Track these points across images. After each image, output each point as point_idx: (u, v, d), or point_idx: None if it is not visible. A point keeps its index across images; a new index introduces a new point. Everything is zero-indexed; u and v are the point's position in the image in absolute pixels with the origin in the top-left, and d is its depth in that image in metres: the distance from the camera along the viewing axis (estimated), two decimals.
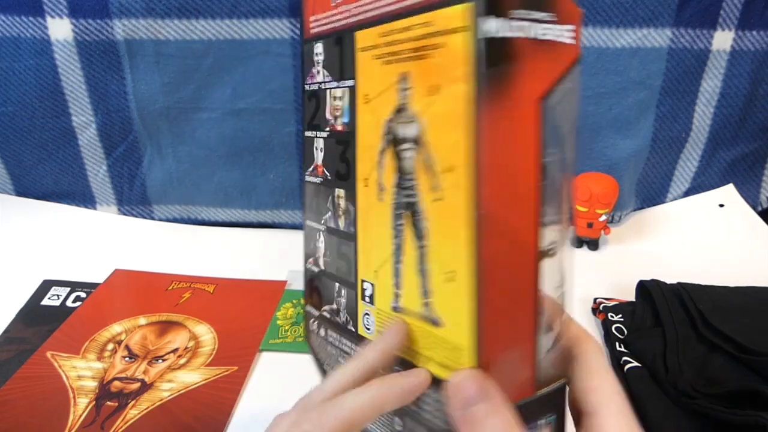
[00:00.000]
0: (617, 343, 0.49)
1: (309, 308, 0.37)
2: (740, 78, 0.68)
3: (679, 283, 0.53)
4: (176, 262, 0.64)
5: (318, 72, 0.34)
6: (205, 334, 0.53)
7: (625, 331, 0.50)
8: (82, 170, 0.72)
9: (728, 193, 0.75)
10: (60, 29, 0.63)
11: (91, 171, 0.72)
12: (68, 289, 0.59)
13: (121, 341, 0.51)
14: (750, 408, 0.40)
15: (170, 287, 0.59)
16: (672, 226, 0.72)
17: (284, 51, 0.63)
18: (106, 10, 0.62)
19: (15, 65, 0.65)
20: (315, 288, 0.37)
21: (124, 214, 0.74)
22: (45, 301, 0.57)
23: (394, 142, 0.29)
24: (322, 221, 0.35)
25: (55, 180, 0.73)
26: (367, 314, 0.32)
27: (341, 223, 0.33)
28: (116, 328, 0.53)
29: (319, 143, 0.35)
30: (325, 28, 0.33)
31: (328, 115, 0.33)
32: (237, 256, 0.67)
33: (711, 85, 0.69)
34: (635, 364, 0.46)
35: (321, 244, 0.35)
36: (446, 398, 0.25)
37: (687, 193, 0.76)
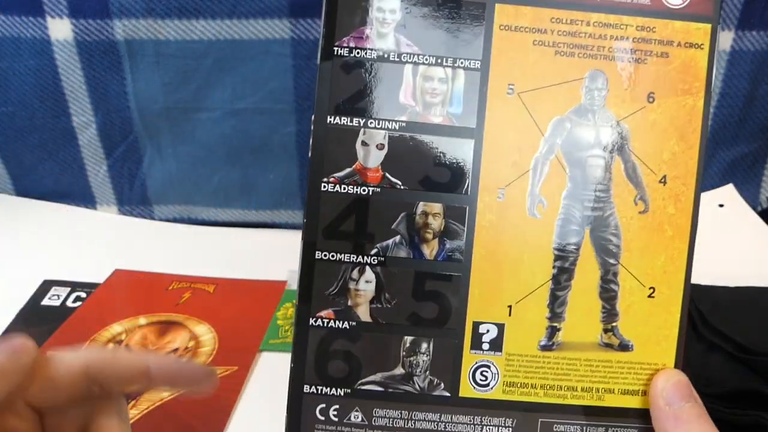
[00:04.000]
0: None
1: (313, 388, 0.30)
2: (740, 78, 0.68)
3: None
4: (176, 262, 0.63)
5: (382, 35, 0.26)
6: (206, 334, 0.53)
7: None
8: (82, 170, 0.72)
9: (728, 193, 0.75)
10: (60, 29, 0.63)
11: (91, 171, 0.72)
12: (68, 289, 0.59)
13: (122, 341, 0.51)
14: (750, 408, 0.39)
15: (170, 287, 0.59)
16: None
17: (284, 51, 0.63)
18: (106, 10, 0.62)
19: (15, 65, 0.65)
20: (338, 354, 0.29)
21: (125, 214, 0.74)
22: (45, 302, 0.57)
23: (569, 146, 0.26)
24: (374, 251, 0.28)
25: (55, 180, 0.73)
26: (483, 366, 0.27)
27: (429, 252, 0.27)
28: (116, 328, 0.53)
29: (376, 137, 0.27)
30: None
31: (405, 99, 0.27)
32: (237, 256, 0.67)
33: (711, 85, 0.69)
34: None
35: (366, 285, 0.28)
36: (653, 390, 0.26)
37: None
